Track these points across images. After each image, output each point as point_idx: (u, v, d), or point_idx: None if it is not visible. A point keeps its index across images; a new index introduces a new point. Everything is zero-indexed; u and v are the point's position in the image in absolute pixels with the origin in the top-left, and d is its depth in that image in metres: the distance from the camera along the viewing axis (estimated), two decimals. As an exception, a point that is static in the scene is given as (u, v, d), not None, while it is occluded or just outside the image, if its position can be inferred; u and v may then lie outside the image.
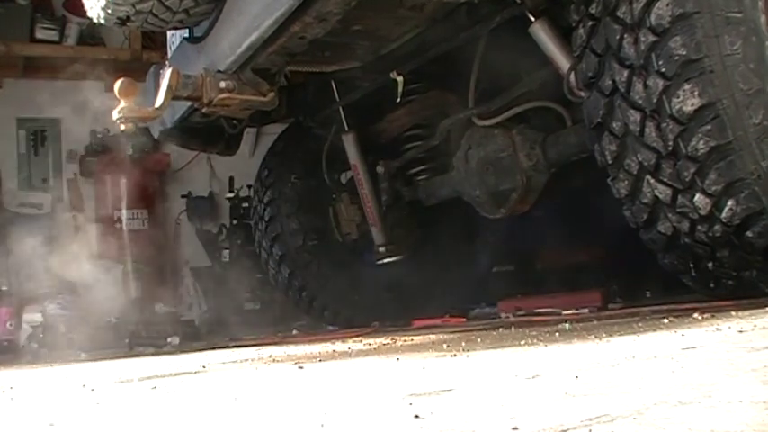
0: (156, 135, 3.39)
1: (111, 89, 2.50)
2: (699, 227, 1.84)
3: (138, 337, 3.96)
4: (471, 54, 2.86)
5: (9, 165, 6.22)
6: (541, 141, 2.78)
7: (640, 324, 1.84)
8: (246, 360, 2.29)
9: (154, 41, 6.23)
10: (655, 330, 1.64)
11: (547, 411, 0.91)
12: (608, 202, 2.13)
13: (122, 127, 2.52)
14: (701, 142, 1.75)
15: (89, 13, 2.55)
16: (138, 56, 6.20)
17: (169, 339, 3.70)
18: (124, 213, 6.07)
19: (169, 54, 3.21)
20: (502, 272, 4.62)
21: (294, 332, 3.90)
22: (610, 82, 1.95)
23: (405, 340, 2.38)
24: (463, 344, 1.93)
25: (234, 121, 3.11)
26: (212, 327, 5.77)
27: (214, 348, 3.20)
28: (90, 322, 5.01)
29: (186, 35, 2.84)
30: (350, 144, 3.49)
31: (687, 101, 1.75)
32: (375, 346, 2.32)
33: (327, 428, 0.96)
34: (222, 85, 2.59)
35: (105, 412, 1.42)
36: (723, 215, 1.77)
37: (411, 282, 3.73)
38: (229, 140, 3.49)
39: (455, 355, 1.65)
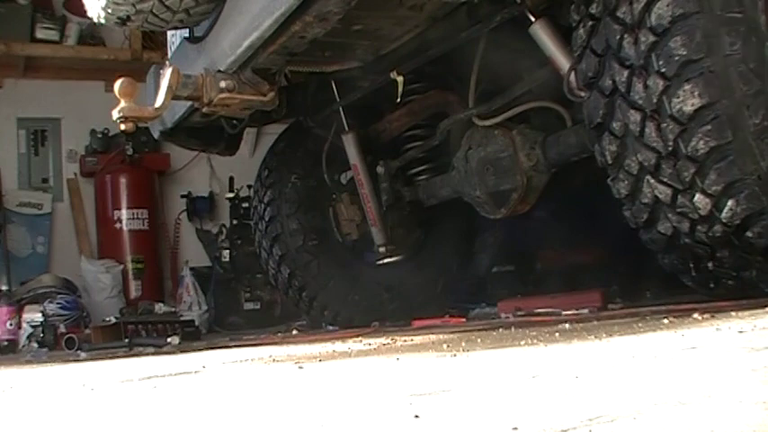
0: (156, 135, 3.39)
1: (111, 89, 2.50)
2: (699, 227, 1.84)
3: (138, 337, 3.95)
4: (471, 54, 2.86)
5: (9, 165, 6.23)
6: (541, 141, 2.78)
7: (640, 324, 1.84)
8: (246, 360, 2.29)
9: (154, 41, 6.24)
10: (655, 331, 1.64)
11: (547, 411, 0.91)
12: (608, 203, 2.13)
13: (122, 127, 2.51)
14: (701, 142, 1.75)
15: (89, 13, 2.55)
16: (138, 56, 6.21)
17: (169, 339, 3.69)
18: (124, 213, 6.07)
19: (169, 54, 3.21)
20: (502, 272, 4.62)
21: (294, 332, 3.89)
22: (610, 82, 1.95)
23: (405, 340, 2.38)
24: (463, 344, 1.93)
25: (234, 121, 3.11)
26: (212, 327, 5.78)
27: (214, 348, 3.20)
28: (90, 322, 5.02)
29: (186, 35, 2.84)
30: (350, 144, 3.49)
31: (687, 101, 1.75)
32: (375, 346, 2.32)
33: (327, 428, 0.96)
34: (222, 84, 2.59)
35: (105, 412, 1.42)
36: (723, 215, 1.77)
37: (411, 282, 3.73)
38: (229, 140, 3.49)
39: (455, 355, 1.65)
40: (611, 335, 1.68)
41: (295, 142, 3.76)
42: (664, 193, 1.88)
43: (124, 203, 6.09)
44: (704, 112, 1.74)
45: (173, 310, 5.50)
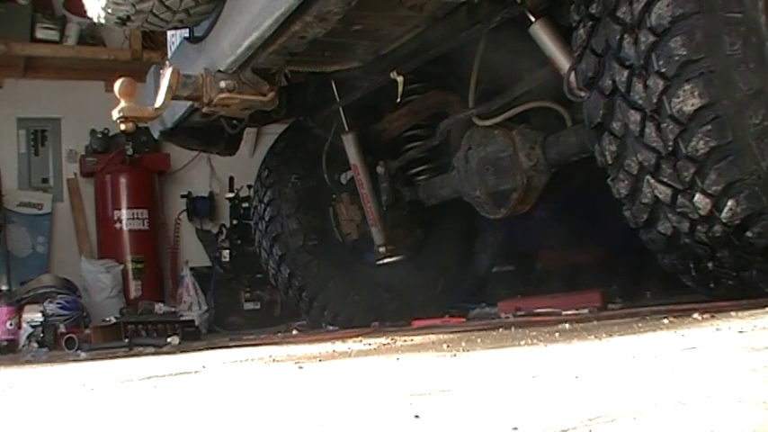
0: (156, 135, 3.39)
1: (111, 89, 2.50)
2: (699, 227, 1.84)
3: (138, 337, 3.95)
4: (471, 54, 2.86)
5: (9, 165, 6.23)
6: (542, 141, 2.78)
7: (640, 324, 1.84)
8: (246, 360, 2.29)
9: (154, 41, 6.24)
10: (655, 330, 1.64)
11: (547, 411, 0.91)
12: (608, 203, 2.14)
13: (122, 127, 2.51)
14: (701, 142, 1.75)
15: (89, 13, 2.55)
16: (138, 56, 6.21)
17: (169, 339, 3.69)
18: (124, 213, 6.07)
19: (169, 54, 3.21)
20: (502, 272, 4.62)
21: (294, 332, 3.89)
22: (610, 82, 1.95)
23: (405, 340, 2.38)
24: (463, 344, 1.93)
25: (234, 121, 3.11)
26: (212, 327, 5.78)
27: (214, 348, 3.20)
28: (90, 322, 5.02)
29: (186, 35, 2.84)
30: (350, 144, 3.49)
31: (687, 101, 1.75)
32: (375, 346, 2.32)
33: (327, 428, 0.96)
34: (222, 84, 2.59)
35: (105, 412, 1.42)
36: (723, 215, 1.77)
37: (411, 282, 3.73)
38: (229, 140, 3.49)
39: (455, 355, 1.65)
40: (611, 335, 1.68)
41: (295, 142, 3.76)
42: (664, 193, 1.88)
43: (124, 203, 6.09)
44: (704, 112, 1.74)
45: (173, 310, 5.49)
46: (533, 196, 2.90)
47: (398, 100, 3.09)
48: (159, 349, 3.52)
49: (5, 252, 5.77)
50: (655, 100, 1.82)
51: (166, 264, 6.49)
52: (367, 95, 3.22)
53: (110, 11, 2.44)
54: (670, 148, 1.81)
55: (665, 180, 1.86)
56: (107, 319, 4.79)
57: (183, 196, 6.54)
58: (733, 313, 1.68)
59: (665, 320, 1.82)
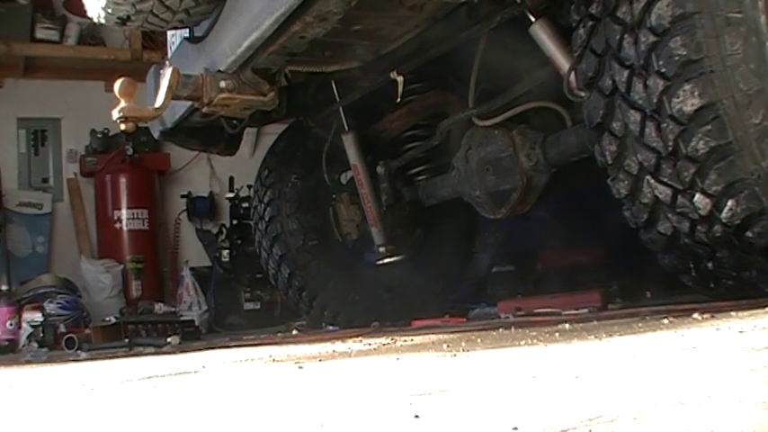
0: (156, 135, 3.39)
1: (111, 89, 2.50)
2: (699, 227, 1.85)
3: (138, 337, 3.95)
4: (471, 54, 2.86)
5: (9, 165, 6.23)
6: (541, 141, 2.78)
7: (640, 324, 1.84)
8: (246, 360, 2.29)
9: (154, 41, 6.24)
10: (655, 331, 1.64)
11: (547, 411, 0.91)
12: (608, 203, 2.14)
13: (122, 127, 2.51)
14: (701, 142, 1.75)
15: (89, 13, 2.55)
16: (138, 56, 6.21)
17: (169, 339, 3.69)
18: (124, 213, 6.07)
19: (169, 54, 3.21)
20: (502, 272, 4.62)
21: (294, 332, 3.89)
22: (610, 82, 1.96)
23: (405, 340, 2.38)
24: (463, 344, 1.93)
25: (234, 121, 3.11)
26: (212, 327, 5.78)
27: (214, 348, 3.19)
28: (90, 322, 5.02)
29: (186, 35, 2.84)
30: (350, 144, 3.49)
31: (687, 101, 1.75)
32: (375, 346, 2.32)
33: (327, 428, 0.96)
34: (222, 84, 2.58)
35: (105, 412, 1.42)
36: (723, 215, 1.77)
37: (411, 282, 3.73)
38: (229, 140, 3.49)
39: (455, 355, 1.65)
40: (611, 335, 1.68)
41: (295, 142, 3.76)
42: (664, 193, 1.88)
43: (124, 203, 6.09)
44: (704, 112, 1.74)
45: (173, 310, 5.49)
46: (533, 196, 2.90)
47: (398, 100, 3.09)
48: (159, 349, 3.52)
49: (5, 252, 5.77)
50: (655, 100, 1.82)
51: (166, 264, 6.49)
52: (367, 95, 3.22)
53: (110, 11, 2.44)
54: (670, 148, 1.81)
55: (665, 180, 1.86)
56: (107, 319, 4.79)
57: (183, 196, 6.54)
58: (733, 313, 1.68)
59: (665, 320, 1.82)
